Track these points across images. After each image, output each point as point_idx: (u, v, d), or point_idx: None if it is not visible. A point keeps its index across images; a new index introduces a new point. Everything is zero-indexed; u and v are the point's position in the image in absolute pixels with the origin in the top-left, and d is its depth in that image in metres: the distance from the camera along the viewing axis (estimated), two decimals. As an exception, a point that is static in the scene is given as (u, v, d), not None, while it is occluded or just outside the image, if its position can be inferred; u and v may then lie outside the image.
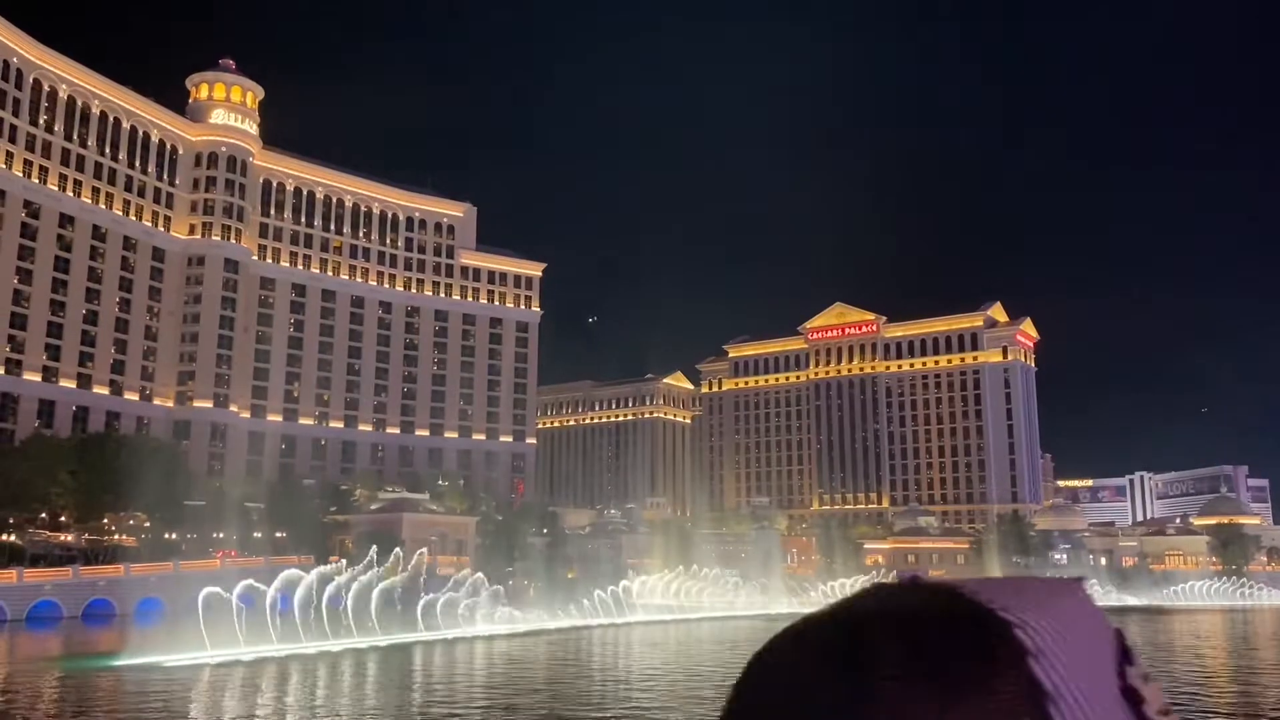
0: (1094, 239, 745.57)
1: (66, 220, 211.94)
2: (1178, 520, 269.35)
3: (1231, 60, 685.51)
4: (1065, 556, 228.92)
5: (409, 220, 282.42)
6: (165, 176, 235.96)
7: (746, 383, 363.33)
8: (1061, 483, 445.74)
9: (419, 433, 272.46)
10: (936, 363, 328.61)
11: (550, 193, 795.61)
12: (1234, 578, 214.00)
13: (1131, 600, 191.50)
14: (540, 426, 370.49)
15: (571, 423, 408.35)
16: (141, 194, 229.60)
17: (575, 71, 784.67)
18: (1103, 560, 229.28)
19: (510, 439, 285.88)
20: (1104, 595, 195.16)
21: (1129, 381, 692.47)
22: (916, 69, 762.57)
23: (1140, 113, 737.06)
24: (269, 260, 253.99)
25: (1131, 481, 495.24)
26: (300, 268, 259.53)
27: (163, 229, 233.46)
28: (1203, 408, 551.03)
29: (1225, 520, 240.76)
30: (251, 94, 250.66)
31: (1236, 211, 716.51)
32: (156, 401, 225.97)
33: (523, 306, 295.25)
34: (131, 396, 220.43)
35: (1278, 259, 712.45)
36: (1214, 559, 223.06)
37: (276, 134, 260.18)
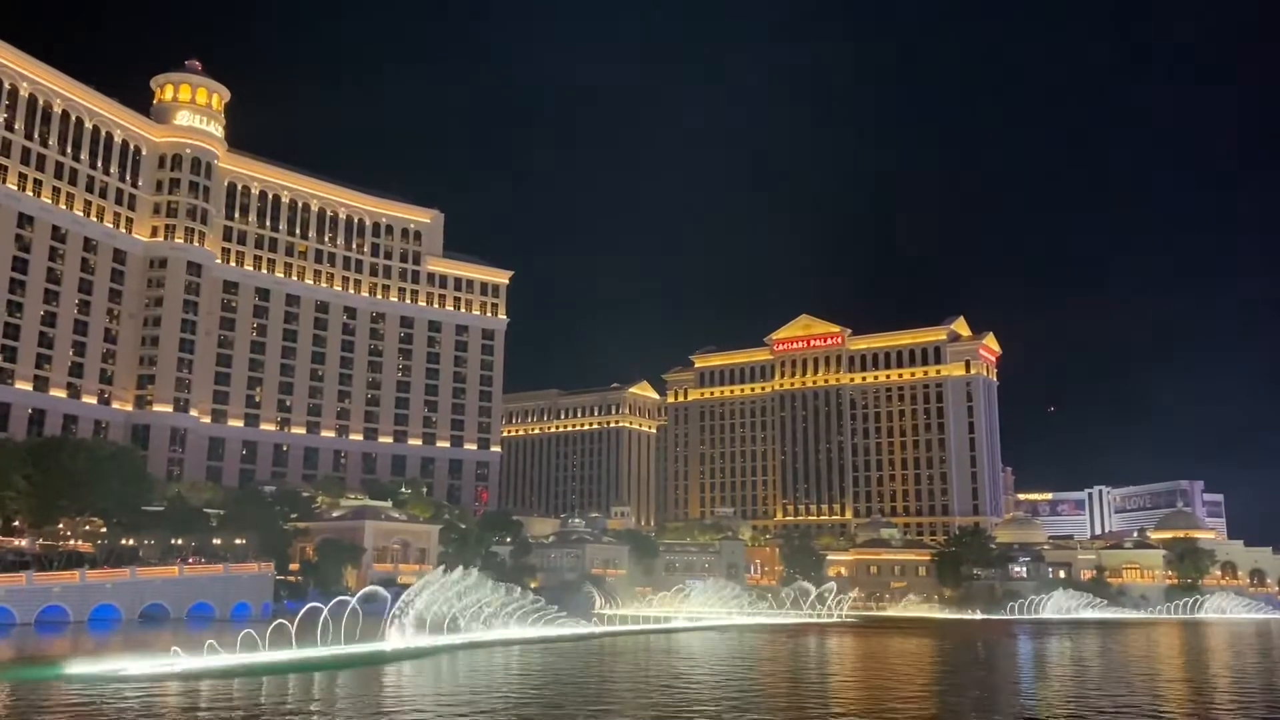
0: (1054, 255, 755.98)
1: (25, 220, 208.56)
2: (1135, 534, 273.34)
3: (1188, 77, 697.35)
4: (1025, 569, 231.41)
5: (375, 226, 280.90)
6: (128, 177, 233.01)
7: (712, 393, 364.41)
8: (1022, 496, 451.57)
9: (382, 440, 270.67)
10: (900, 376, 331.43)
11: (518, 200, 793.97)
12: (1189, 591, 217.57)
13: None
14: (505, 435, 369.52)
15: (537, 431, 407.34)
16: (103, 195, 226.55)
17: (542, 70, 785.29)
18: (1061, 573, 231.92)
19: (475, 447, 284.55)
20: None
21: (1088, 396, 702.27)
22: (881, 87, 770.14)
23: (1094, 120, 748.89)
24: (232, 264, 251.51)
25: (1090, 495, 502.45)
26: (264, 271, 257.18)
27: (124, 230, 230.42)
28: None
29: (1181, 534, 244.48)
30: (217, 96, 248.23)
31: (1196, 227, 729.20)
32: (115, 405, 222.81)
33: (489, 314, 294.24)
34: (90, 400, 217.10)
35: (1237, 274, 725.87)
36: (1170, 573, 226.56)
37: (242, 137, 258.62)
